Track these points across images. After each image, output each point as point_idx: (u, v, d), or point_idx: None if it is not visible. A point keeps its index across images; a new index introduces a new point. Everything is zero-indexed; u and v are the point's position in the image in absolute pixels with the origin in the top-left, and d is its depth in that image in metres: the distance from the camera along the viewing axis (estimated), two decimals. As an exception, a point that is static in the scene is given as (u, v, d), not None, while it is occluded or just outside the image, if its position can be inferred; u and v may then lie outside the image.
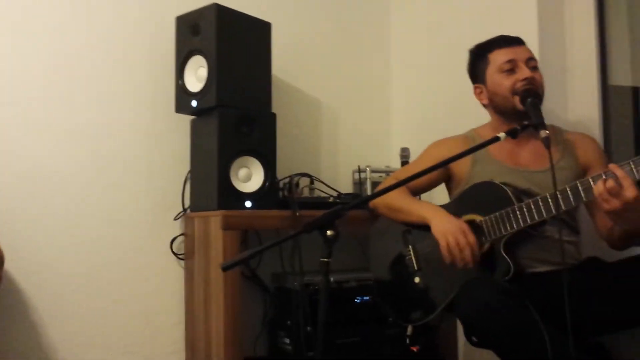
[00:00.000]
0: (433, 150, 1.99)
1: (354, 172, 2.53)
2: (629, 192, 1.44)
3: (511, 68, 1.81)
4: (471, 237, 1.68)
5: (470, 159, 1.87)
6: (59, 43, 2.16)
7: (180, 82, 2.16)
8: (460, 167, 1.90)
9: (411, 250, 1.89)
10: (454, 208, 1.81)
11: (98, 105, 2.22)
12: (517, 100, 1.78)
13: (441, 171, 1.92)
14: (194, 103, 2.11)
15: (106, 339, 2.17)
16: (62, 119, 2.16)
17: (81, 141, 2.18)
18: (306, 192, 2.42)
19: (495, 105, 1.88)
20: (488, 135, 1.65)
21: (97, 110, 2.22)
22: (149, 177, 2.29)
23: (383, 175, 2.45)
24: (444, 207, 1.85)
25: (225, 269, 1.44)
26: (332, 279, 2.16)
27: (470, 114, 2.13)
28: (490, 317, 1.52)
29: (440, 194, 2.09)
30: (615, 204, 1.45)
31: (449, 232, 1.69)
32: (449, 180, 1.99)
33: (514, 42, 1.85)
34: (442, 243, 1.70)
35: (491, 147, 1.84)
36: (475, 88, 1.94)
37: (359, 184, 2.49)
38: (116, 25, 2.26)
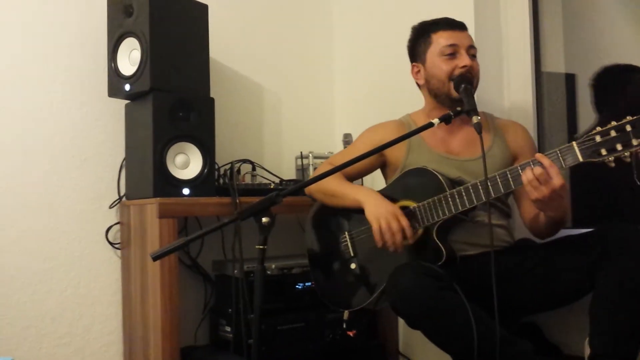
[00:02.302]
0: (368, 135, 1.99)
1: (296, 158, 2.51)
2: (556, 180, 1.48)
3: (452, 53, 1.81)
4: (404, 221, 1.69)
5: (406, 146, 1.88)
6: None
7: (112, 65, 2.09)
8: (396, 154, 1.90)
9: (347, 236, 1.89)
10: (388, 194, 1.82)
11: (26, 88, 2.12)
12: (451, 86, 1.79)
13: (376, 157, 1.93)
14: (127, 87, 2.04)
15: (40, 330, 2.10)
16: (-14, 102, 2.06)
17: (8, 126, 2.08)
18: (248, 179, 2.38)
19: (430, 88, 1.87)
20: (421, 121, 1.67)
21: (25, 94, 2.12)
22: (81, 163, 2.21)
23: (326, 161, 2.45)
24: (379, 192, 1.85)
25: (155, 258, 1.41)
26: (274, 266, 2.16)
27: (413, 100, 2.14)
28: (413, 301, 1.55)
29: (376, 180, 2.10)
30: (543, 191, 1.49)
31: (382, 215, 1.70)
32: (384, 166, 1.99)
33: (458, 26, 1.85)
34: (374, 226, 1.71)
35: (425, 135, 1.86)
36: (412, 67, 1.93)
37: (302, 170, 2.48)
38: (45, 5, 2.16)
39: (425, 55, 1.87)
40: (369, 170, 2.00)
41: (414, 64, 1.93)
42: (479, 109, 1.92)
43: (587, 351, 1.57)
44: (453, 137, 1.87)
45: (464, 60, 1.78)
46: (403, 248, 1.70)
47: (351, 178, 2.00)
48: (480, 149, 1.80)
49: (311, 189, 1.97)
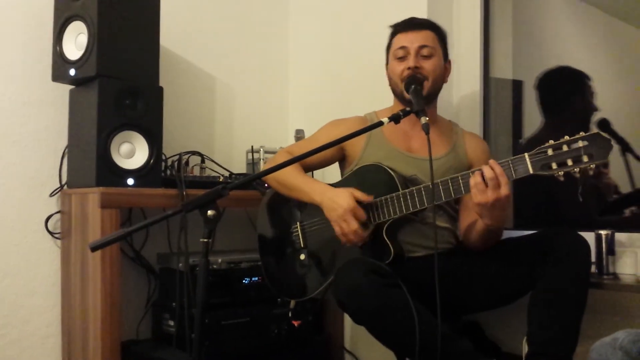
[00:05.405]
0: (330, 128, 1.99)
1: (247, 152, 2.48)
2: (503, 189, 1.51)
3: (403, 55, 1.84)
4: (360, 213, 1.69)
5: (365, 140, 1.89)
6: None
7: (57, 48, 2.02)
8: (354, 148, 1.91)
9: (299, 227, 1.89)
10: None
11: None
12: (403, 87, 1.82)
13: (336, 150, 1.93)
14: (72, 72, 1.98)
15: (-26, 322, 2.03)
16: None
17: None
18: (197, 171, 2.34)
19: (391, 88, 1.92)
20: None
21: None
22: (22, 149, 2.13)
23: (277, 156, 2.43)
24: (333, 186, 1.85)
25: (94, 248, 1.37)
26: (220, 260, 2.13)
27: (366, 98, 2.15)
28: (360, 297, 1.55)
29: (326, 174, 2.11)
30: (487, 196, 1.51)
31: (341, 218, 1.70)
32: (342, 159, 2.00)
33: (413, 27, 1.87)
34: (337, 229, 1.72)
35: (386, 131, 1.88)
36: (386, 68, 1.96)
37: (252, 164, 2.45)
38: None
39: (388, 57, 1.93)
40: (327, 163, 2.00)
41: (386, 65, 1.95)
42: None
43: (525, 349, 1.61)
44: (415, 136, 1.89)
45: (408, 62, 1.82)
46: (362, 241, 1.71)
47: (308, 169, 2.00)
48: (441, 150, 1.86)
49: (268, 176, 1.95)
